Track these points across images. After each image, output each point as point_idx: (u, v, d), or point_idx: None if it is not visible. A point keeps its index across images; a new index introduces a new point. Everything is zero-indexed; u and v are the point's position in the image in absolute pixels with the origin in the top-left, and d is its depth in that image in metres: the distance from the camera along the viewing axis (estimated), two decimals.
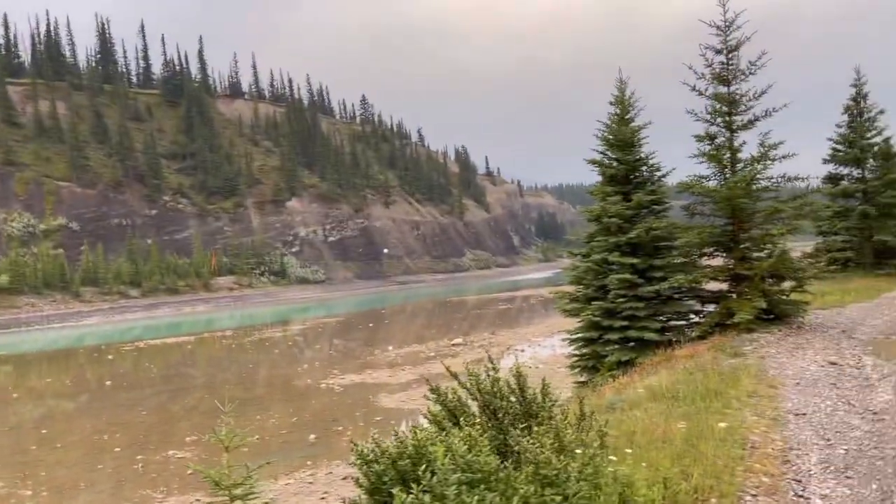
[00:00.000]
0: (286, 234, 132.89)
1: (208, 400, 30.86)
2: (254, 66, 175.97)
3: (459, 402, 5.53)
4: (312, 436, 23.64)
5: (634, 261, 14.41)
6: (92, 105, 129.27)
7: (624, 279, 14.09)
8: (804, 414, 7.39)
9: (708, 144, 14.67)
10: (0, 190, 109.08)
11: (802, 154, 14.45)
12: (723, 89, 14.42)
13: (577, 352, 15.53)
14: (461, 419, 4.73)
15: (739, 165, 14.33)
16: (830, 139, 29.46)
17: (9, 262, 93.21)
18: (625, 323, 14.28)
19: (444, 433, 4.37)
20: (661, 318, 14.96)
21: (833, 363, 10.49)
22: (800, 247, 15.41)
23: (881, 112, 28.73)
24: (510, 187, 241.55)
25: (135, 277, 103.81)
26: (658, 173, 15.56)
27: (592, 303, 14.52)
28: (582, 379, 15.36)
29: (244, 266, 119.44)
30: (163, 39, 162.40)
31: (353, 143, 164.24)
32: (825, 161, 28.79)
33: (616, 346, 14.27)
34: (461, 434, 4.02)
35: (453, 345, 45.25)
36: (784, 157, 14.04)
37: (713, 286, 15.57)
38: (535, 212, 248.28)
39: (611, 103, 15.50)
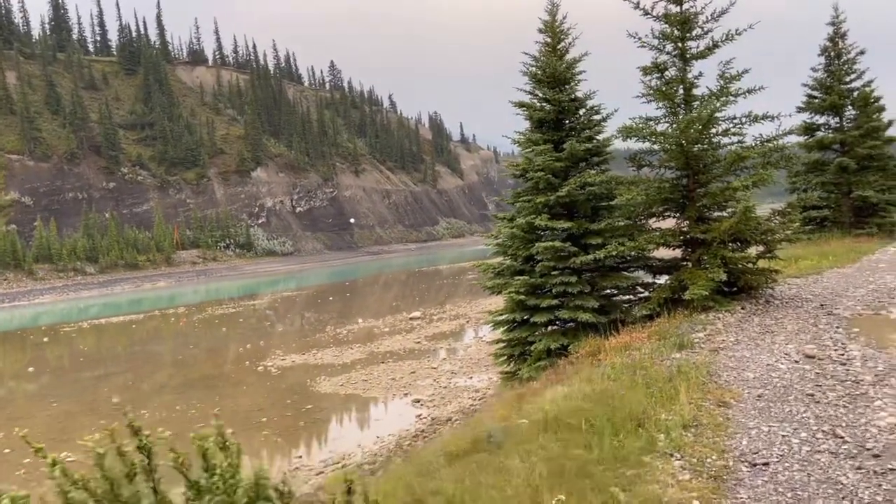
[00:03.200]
0: (252, 205, 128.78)
1: (131, 388, 28.34)
2: (216, 32, 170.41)
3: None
4: (229, 430, 20.78)
5: (565, 225, 11.61)
6: (44, 74, 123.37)
7: (551, 247, 11.29)
8: (766, 464, 4.67)
9: (657, 78, 11.76)
10: None
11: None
12: (674, 8, 11.49)
13: (503, 336, 12.79)
14: None
15: (695, 104, 11.46)
16: (805, 84, 26.67)
17: None
18: (554, 301, 11.53)
19: None
20: (601, 294, 12.23)
21: (810, 356, 7.80)
22: (769, 206, 12.48)
23: (861, 53, 25.95)
24: (486, 154, 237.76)
25: (92, 253, 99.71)
26: (597, 117, 12.67)
27: (516, 277, 11.73)
28: (508, 369, 12.64)
29: (208, 239, 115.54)
30: (117, 3, 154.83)
31: (321, 111, 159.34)
32: (799, 109, 25.96)
33: (545, 331, 11.57)
34: None
35: (411, 318, 42.83)
36: (749, 91, 11.20)
37: (667, 253, 12.84)
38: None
39: (539, 30, 12.53)
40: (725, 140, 11.64)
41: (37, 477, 18.40)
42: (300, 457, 18.68)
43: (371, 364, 28.75)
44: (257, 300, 64.05)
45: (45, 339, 46.78)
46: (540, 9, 12.33)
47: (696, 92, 11.80)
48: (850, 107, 26.26)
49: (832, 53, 26.29)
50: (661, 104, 11.85)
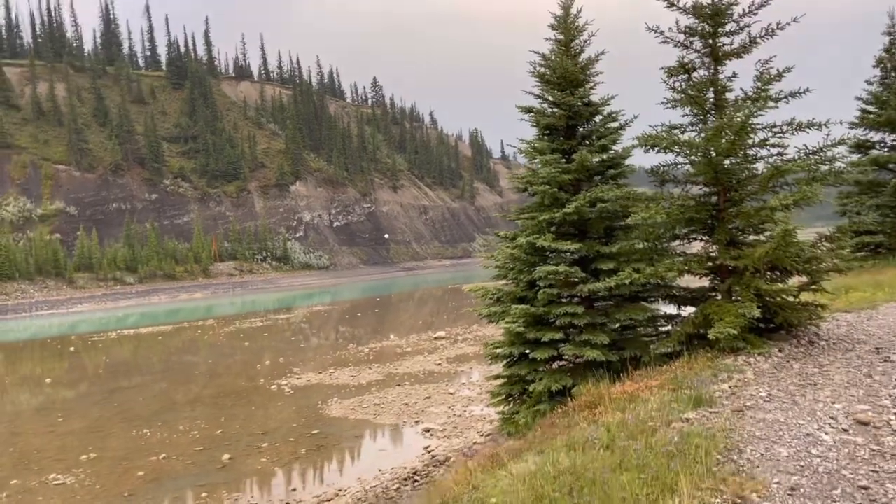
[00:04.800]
0: (290, 218, 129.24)
1: (140, 405, 27.56)
2: (262, 48, 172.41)
3: None
4: (227, 456, 20.08)
5: (573, 246, 9.99)
6: (93, 87, 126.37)
7: (554, 272, 9.69)
8: None
9: (683, 80, 10.13)
10: None
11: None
12: None
13: (503, 372, 11.18)
14: None
15: (728, 110, 9.79)
16: (859, 98, 24.46)
17: None
18: (558, 335, 9.90)
19: None
20: (614, 327, 10.57)
21: (863, 422, 6.07)
22: (816, 230, 10.63)
23: None
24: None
25: (131, 263, 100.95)
26: (614, 124, 11.04)
27: (516, 305, 10.15)
28: (508, 409, 11.02)
29: (246, 251, 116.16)
30: (166, 20, 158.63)
31: (361, 126, 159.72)
32: (853, 126, 23.81)
33: (547, 368, 9.97)
34: None
35: (435, 338, 41.43)
36: (793, 94, 9.49)
37: (696, 281, 11.12)
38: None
39: (551, 27, 11.01)
40: (763, 152, 9.91)
41: (18, 500, 17.48)
42: (294, 489, 17.40)
43: (387, 386, 27.46)
44: (287, 314, 63.53)
45: (72, 349, 46.73)
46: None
47: (728, 96, 10.12)
48: None
49: (888, 65, 24.14)
50: (687, 110, 10.20)
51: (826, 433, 5.84)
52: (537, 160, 10.59)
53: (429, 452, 18.72)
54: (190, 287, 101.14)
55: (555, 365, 10.61)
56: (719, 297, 10.11)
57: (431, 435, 20.57)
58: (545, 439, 6.45)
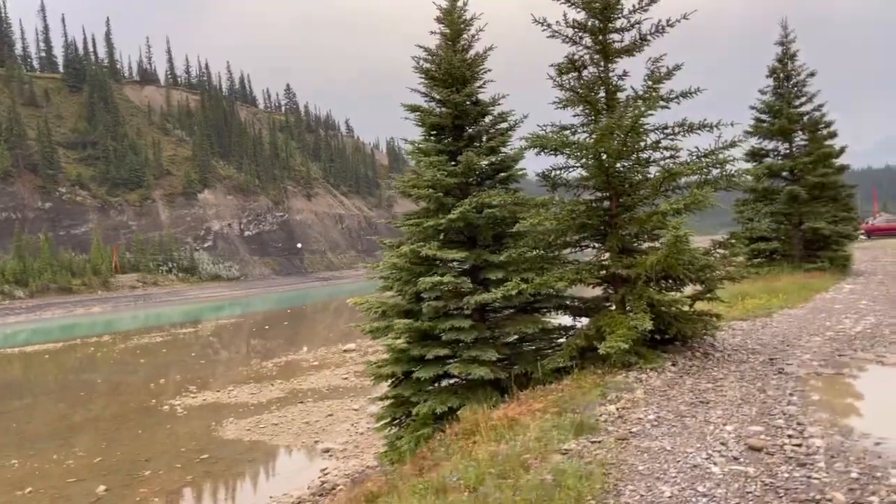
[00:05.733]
0: (198, 228, 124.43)
1: (10, 431, 25.21)
2: (168, 52, 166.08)
3: None
4: (102, 487, 18.33)
5: (459, 255, 9.23)
6: None
7: (438, 283, 8.89)
8: None
9: (573, 78, 9.56)
10: None
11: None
12: None
13: (389, 393, 10.28)
14: None
15: (619, 110, 9.28)
16: (753, 107, 24.97)
17: None
18: (444, 351, 9.10)
19: None
20: (505, 341, 9.86)
21: (755, 448, 5.49)
22: (714, 236, 10.24)
23: (811, 75, 24.42)
24: None
25: (21, 276, 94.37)
26: (504, 125, 10.38)
27: (398, 321, 9.29)
28: (392, 433, 10.11)
29: (150, 262, 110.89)
30: (63, 19, 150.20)
31: (274, 133, 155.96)
32: (747, 133, 24.24)
33: (434, 388, 9.16)
34: None
35: (345, 351, 40.15)
36: (684, 94, 9.06)
37: (591, 291, 10.57)
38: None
39: (437, 19, 10.24)
40: (656, 155, 9.45)
41: None
42: None
43: (289, 404, 26.13)
44: (192, 328, 60.72)
45: None
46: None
47: (620, 96, 9.62)
48: (800, 132, 24.69)
49: (781, 75, 24.75)
50: (579, 110, 9.64)
51: (715, 463, 5.21)
52: (422, 162, 9.78)
53: (324, 475, 17.69)
54: (88, 301, 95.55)
55: (443, 383, 9.79)
56: (613, 308, 9.56)
57: (331, 455, 19.54)
58: (410, 476, 5.59)
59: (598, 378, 7.86)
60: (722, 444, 5.64)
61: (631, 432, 5.86)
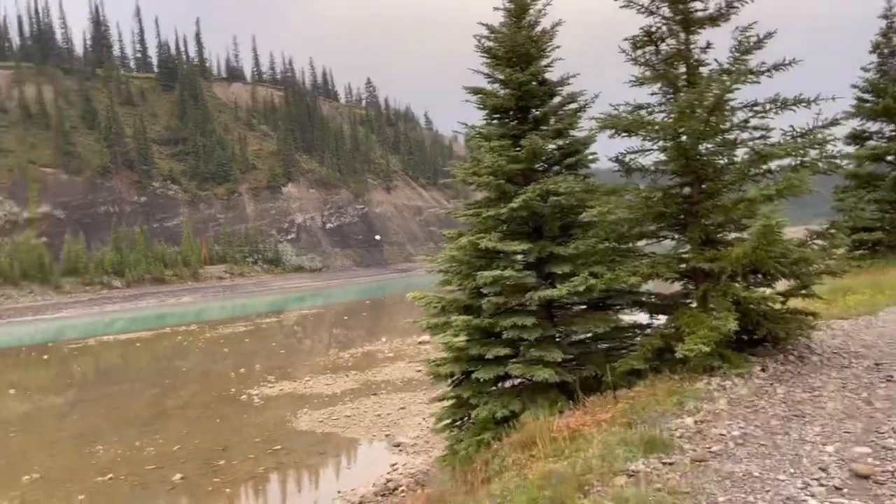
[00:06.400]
0: (282, 220, 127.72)
1: (100, 417, 26.26)
2: (254, 50, 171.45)
3: None
4: (179, 475, 18.73)
5: (522, 247, 8.53)
6: (81, 90, 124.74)
7: (499, 278, 8.21)
8: None
9: (651, 53, 8.67)
10: None
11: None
12: None
13: (451, 392, 9.69)
14: None
15: (701, 86, 8.31)
16: (855, 86, 22.93)
17: None
18: (505, 351, 8.43)
19: None
20: (572, 341, 9.10)
21: (861, 475, 4.60)
22: (811, 226, 9.11)
23: None
24: None
25: (119, 267, 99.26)
26: (572, 105, 9.57)
27: (456, 317, 8.68)
28: (452, 435, 9.51)
29: (236, 254, 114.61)
30: (156, 22, 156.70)
31: (355, 127, 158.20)
32: (848, 115, 22.21)
33: (495, 390, 8.51)
34: None
35: (420, 342, 39.99)
36: (777, 66, 8.04)
37: (670, 286, 9.64)
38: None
39: None
40: (744, 135, 8.45)
41: None
42: None
43: (362, 395, 26.13)
44: (274, 318, 62.22)
45: (46, 357, 45.39)
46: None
47: (703, 71, 8.66)
48: None
49: (885, 51, 22.62)
50: (656, 87, 8.75)
51: (813, 494, 4.36)
52: (482, 147, 9.11)
53: (392, 471, 17.47)
54: (178, 291, 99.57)
55: (507, 384, 9.13)
56: (694, 305, 8.64)
57: (401, 450, 19.33)
58: (458, 494, 5.00)
59: (675, 384, 7.01)
60: (821, 469, 4.76)
61: (711, 452, 5.06)
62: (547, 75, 9.64)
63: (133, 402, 28.67)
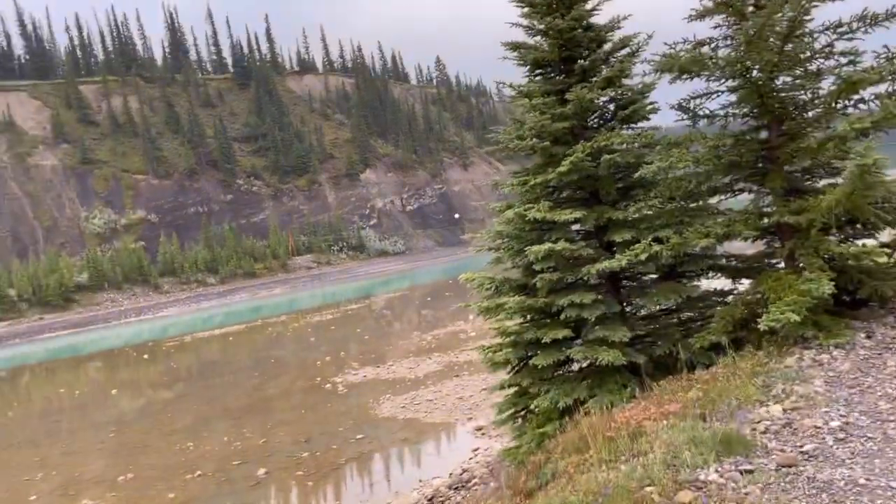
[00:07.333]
0: (363, 207, 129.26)
1: (193, 414, 27.02)
2: (323, 40, 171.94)
3: None
4: (262, 470, 18.94)
5: (574, 215, 7.57)
6: (163, 96, 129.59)
7: (551, 251, 7.29)
8: None
9: None
10: (80, 189, 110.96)
11: None
12: None
13: (510, 381, 8.87)
14: None
15: (773, 6, 7.05)
16: None
17: (87, 259, 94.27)
18: (564, 332, 7.53)
19: None
20: (645, 315, 8.08)
21: None
22: None
23: None
24: None
25: (212, 264, 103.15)
26: (624, 51, 8.42)
27: (510, 297, 7.82)
28: (515, 427, 8.70)
29: (321, 243, 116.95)
30: (227, 22, 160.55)
31: (426, 107, 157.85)
32: None
33: (552, 379, 7.63)
34: None
35: None
36: None
37: (754, 247, 8.45)
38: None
39: None
40: (829, 63, 7.15)
41: None
42: None
43: (444, 378, 25.84)
44: (359, 304, 62.90)
45: (146, 356, 47.35)
46: None
47: None
48: None
49: None
50: (719, 19, 7.55)
51: None
52: (523, 106, 8.15)
53: (474, 455, 17.01)
54: (269, 283, 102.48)
55: (574, 367, 8.24)
56: (781, 266, 7.47)
57: (483, 433, 18.86)
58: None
59: (760, 362, 5.93)
60: None
61: (803, 452, 4.05)
62: (593, 20, 8.56)
63: (223, 398, 29.33)
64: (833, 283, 6.23)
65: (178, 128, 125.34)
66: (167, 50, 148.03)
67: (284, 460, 19.27)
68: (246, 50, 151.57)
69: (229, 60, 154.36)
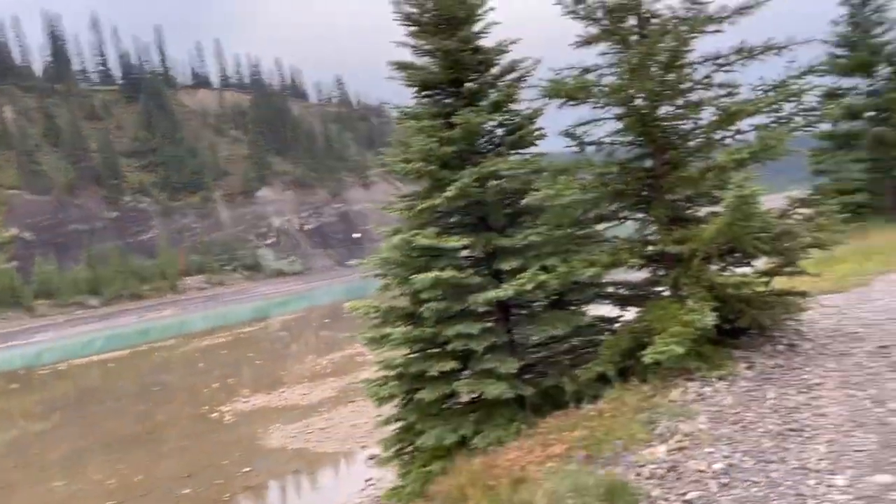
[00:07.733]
0: (259, 225, 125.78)
1: (64, 447, 24.97)
2: (219, 55, 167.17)
3: None
4: None
5: (461, 242, 7.30)
6: (42, 107, 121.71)
7: (436, 280, 6.98)
8: None
9: (596, 5, 7.41)
10: None
11: None
12: None
13: (394, 418, 8.44)
14: None
15: (655, 37, 7.09)
16: (825, 41, 21.82)
17: None
18: (451, 365, 7.21)
19: None
20: (533, 344, 7.89)
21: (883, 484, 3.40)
22: (790, 194, 7.90)
23: None
24: None
25: (94, 285, 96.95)
26: (512, 75, 8.29)
27: (396, 327, 7.43)
28: (400, 466, 8.28)
29: (214, 263, 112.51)
30: (115, 32, 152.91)
31: (327, 126, 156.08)
32: (818, 73, 21.11)
33: (438, 414, 7.28)
34: None
35: None
36: (742, 10, 6.82)
37: (639, 274, 8.44)
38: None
39: None
40: (708, 94, 7.25)
41: None
42: None
43: (339, 404, 25.09)
44: (253, 326, 60.86)
45: (14, 386, 43.76)
46: None
47: (656, 23, 7.43)
48: (883, 65, 21.40)
49: (856, 1, 21.51)
50: (605, 46, 7.53)
51: None
52: (410, 128, 7.84)
53: (367, 486, 16.46)
54: (158, 305, 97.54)
55: (461, 401, 7.91)
56: (666, 294, 7.45)
57: (377, 463, 18.23)
58: None
59: (646, 396, 5.81)
60: None
61: (686, 502, 3.85)
62: (481, 43, 8.37)
63: (101, 429, 27.44)
64: (716, 312, 6.22)
65: (58, 140, 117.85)
66: (47, 58, 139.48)
67: (163, 498, 18.05)
68: (135, 61, 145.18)
69: (117, 72, 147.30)
